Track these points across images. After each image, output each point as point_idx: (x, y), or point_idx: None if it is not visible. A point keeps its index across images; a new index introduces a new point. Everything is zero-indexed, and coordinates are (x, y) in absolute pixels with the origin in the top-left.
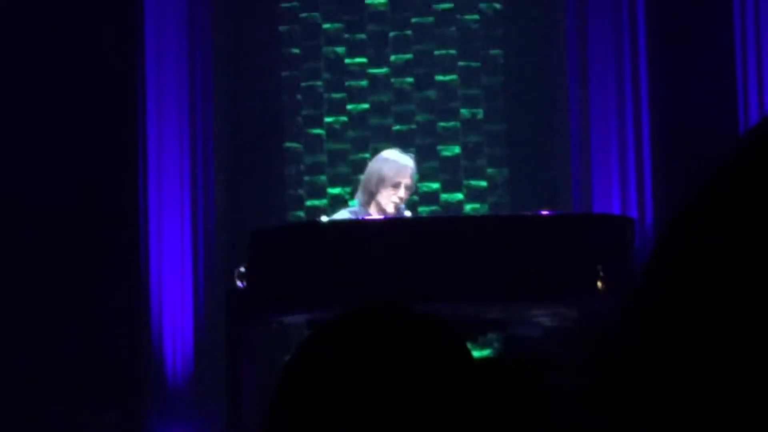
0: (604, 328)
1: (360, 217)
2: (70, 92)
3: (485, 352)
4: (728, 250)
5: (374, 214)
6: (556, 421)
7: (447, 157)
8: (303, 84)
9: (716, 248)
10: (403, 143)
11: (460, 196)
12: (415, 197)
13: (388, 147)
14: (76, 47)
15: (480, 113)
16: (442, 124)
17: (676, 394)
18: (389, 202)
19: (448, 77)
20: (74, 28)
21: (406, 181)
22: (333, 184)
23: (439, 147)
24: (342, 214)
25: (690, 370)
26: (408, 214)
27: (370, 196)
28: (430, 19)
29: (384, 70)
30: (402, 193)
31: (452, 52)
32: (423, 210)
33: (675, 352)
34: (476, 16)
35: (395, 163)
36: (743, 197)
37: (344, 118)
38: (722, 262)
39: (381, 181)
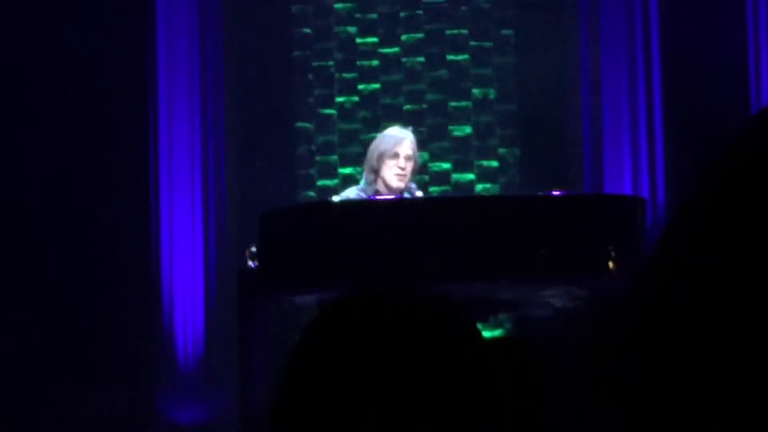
0: (614, 309)
1: (368, 195)
2: (79, 73)
3: (496, 333)
4: (738, 233)
5: (381, 192)
6: (565, 401)
7: (458, 137)
8: (314, 64)
9: (726, 232)
10: (414, 123)
11: (471, 176)
12: (426, 177)
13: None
14: (88, 27)
15: (491, 93)
16: (453, 103)
17: (681, 379)
18: (392, 174)
19: (459, 57)
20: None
21: (405, 151)
22: (344, 164)
23: (451, 127)
24: (350, 192)
25: (698, 353)
26: (419, 194)
27: (375, 174)
28: None
29: (395, 49)
30: (402, 162)
31: (464, 31)
32: (434, 190)
33: (684, 335)
34: None
35: (392, 137)
36: (753, 179)
37: (355, 98)
38: (732, 245)
39: (380, 156)
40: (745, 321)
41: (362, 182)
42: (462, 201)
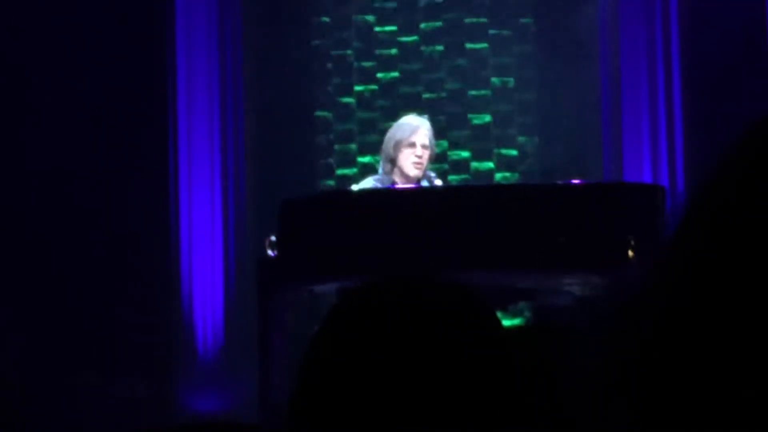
0: (634, 298)
1: (385, 185)
2: (98, 63)
3: (515, 321)
4: (758, 221)
5: (398, 181)
6: (583, 391)
7: (477, 126)
8: (333, 53)
9: (746, 220)
10: (433, 111)
11: (490, 164)
12: (445, 165)
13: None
14: (105, 17)
15: (511, 82)
16: (472, 92)
17: (697, 370)
18: (409, 163)
19: (478, 45)
20: None
21: (422, 140)
22: (363, 153)
23: (470, 115)
24: (367, 182)
25: (719, 341)
26: (439, 182)
27: (392, 163)
28: None
29: (414, 38)
30: (419, 151)
31: (483, 20)
32: (453, 178)
33: (704, 326)
34: None
35: (408, 125)
36: (759, 177)
37: (374, 87)
38: (753, 233)
39: (397, 144)
40: (759, 314)
41: (379, 172)
42: (481, 190)
